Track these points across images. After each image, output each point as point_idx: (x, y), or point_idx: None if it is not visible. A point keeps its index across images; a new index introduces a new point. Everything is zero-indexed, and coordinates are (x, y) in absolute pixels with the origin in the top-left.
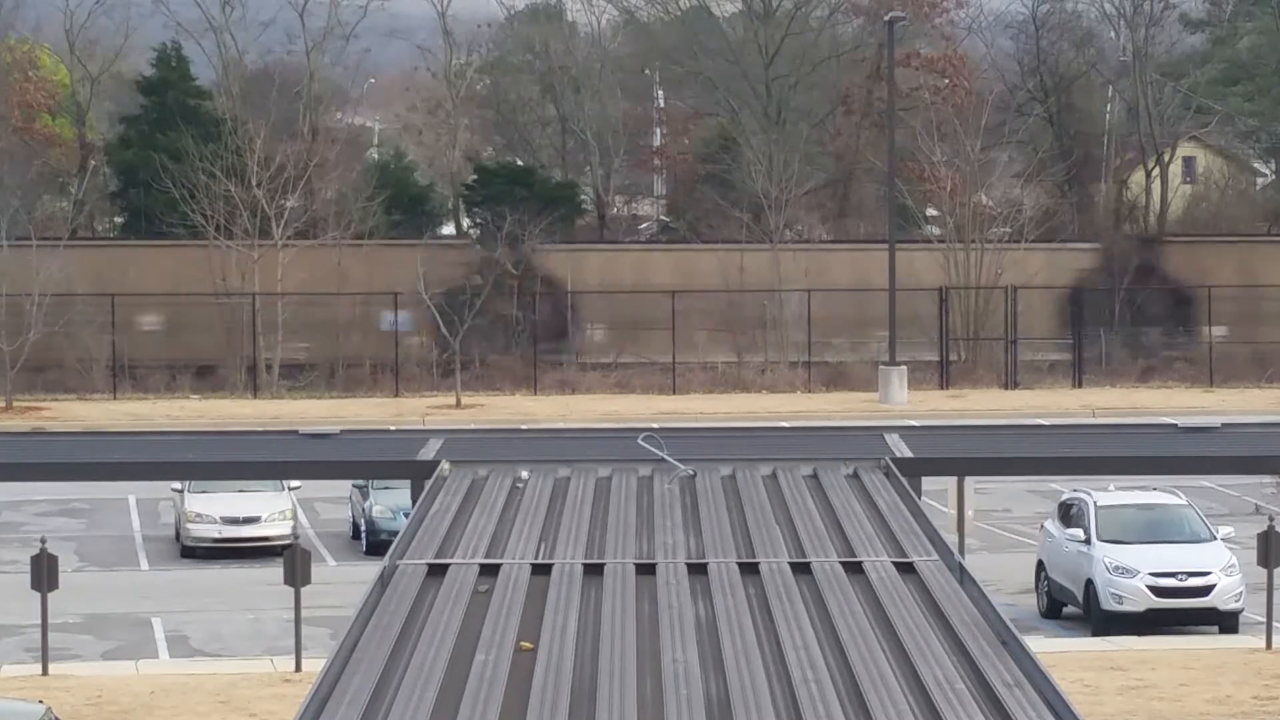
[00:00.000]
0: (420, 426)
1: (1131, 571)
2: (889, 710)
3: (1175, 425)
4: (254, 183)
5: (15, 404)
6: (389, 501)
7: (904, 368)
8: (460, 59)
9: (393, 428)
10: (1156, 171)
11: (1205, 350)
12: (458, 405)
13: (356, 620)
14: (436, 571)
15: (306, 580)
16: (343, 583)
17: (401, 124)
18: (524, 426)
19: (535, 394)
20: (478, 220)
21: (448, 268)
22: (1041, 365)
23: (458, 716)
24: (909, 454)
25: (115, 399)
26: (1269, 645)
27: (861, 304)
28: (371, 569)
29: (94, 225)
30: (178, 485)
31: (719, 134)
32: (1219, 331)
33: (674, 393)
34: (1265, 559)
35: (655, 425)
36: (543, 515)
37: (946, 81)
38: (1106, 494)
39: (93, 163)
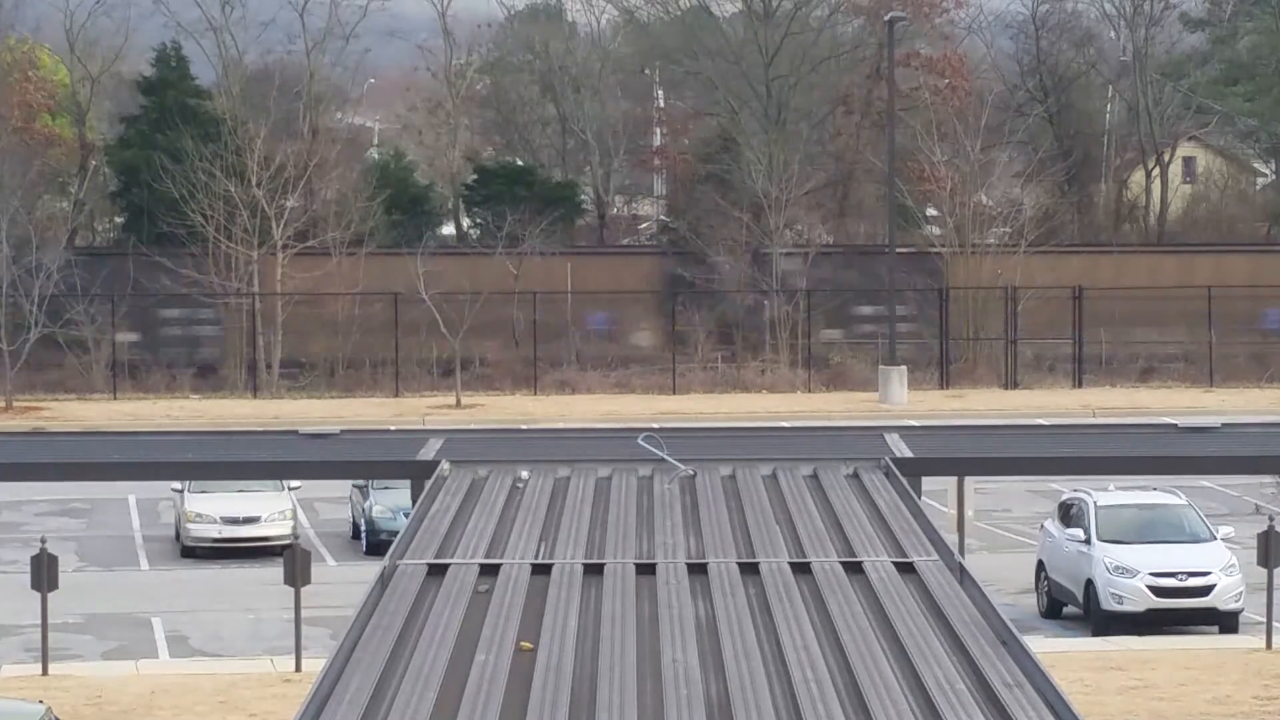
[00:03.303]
0: (420, 426)
1: (1131, 571)
2: (889, 710)
3: (1175, 425)
4: (254, 183)
5: (15, 404)
6: (389, 501)
7: (904, 368)
8: (460, 59)
9: (393, 428)
10: (1156, 172)
11: (1205, 350)
12: (458, 405)
13: (356, 620)
14: (436, 571)
15: (306, 580)
16: (343, 583)
17: (401, 124)
18: (524, 426)
19: (535, 394)
20: (477, 220)
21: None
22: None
23: (458, 716)
24: (909, 454)
25: (115, 399)
26: (1269, 645)
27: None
28: (371, 569)
29: (94, 225)
30: (178, 485)
31: (719, 134)
32: None
33: (674, 393)
34: (1265, 559)
35: (655, 425)
36: (543, 515)
37: (946, 81)
38: (1106, 494)
39: (93, 163)
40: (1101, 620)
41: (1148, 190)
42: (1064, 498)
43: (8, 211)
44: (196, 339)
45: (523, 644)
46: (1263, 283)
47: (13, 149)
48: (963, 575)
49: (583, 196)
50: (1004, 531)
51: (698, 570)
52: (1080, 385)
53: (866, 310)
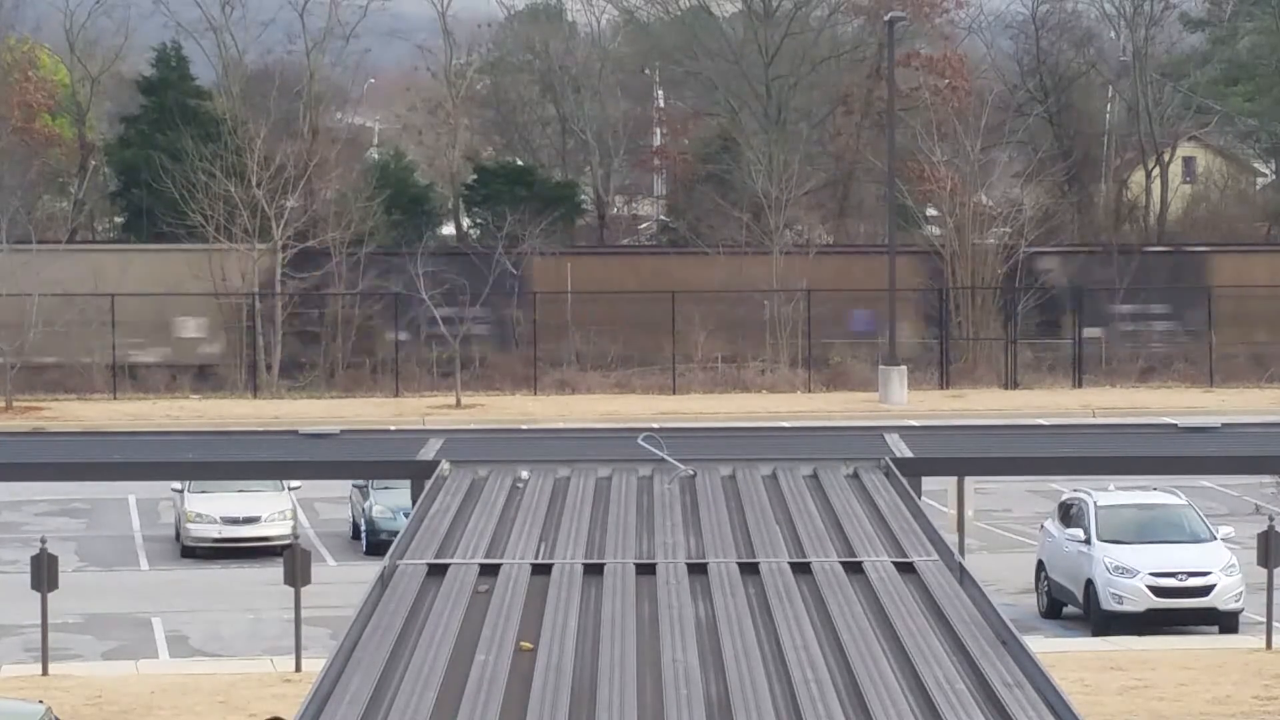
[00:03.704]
0: (420, 426)
1: (1131, 571)
2: (889, 710)
3: (1175, 425)
4: (254, 183)
5: (15, 404)
6: (389, 501)
7: (904, 368)
8: (460, 59)
9: (393, 428)
10: (1156, 171)
11: (1205, 350)
12: (458, 405)
13: (356, 620)
14: (436, 571)
15: (306, 580)
16: (343, 583)
17: (401, 124)
18: (524, 426)
19: (535, 394)
20: (477, 220)
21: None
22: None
23: (458, 716)
24: (909, 454)
25: (115, 399)
26: (1269, 645)
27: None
28: (371, 569)
29: (94, 225)
30: (178, 485)
31: (719, 134)
32: None
33: (674, 393)
34: (1265, 559)
35: (655, 425)
36: (543, 515)
37: (946, 81)
38: (1106, 494)
39: (93, 163)
40: (1101, 620)
41: (1148, 190)
42: (1064, 498)
43: (8, 211)
44: (196, 339)
45: (523, 644)
46: (1263, 282)
47: (13, 149)
48: (963, 575)
49: (583, 196)
50: (1004, 531)
51: (698, 570)
52: (1080, 385)
53: (1126, 309)
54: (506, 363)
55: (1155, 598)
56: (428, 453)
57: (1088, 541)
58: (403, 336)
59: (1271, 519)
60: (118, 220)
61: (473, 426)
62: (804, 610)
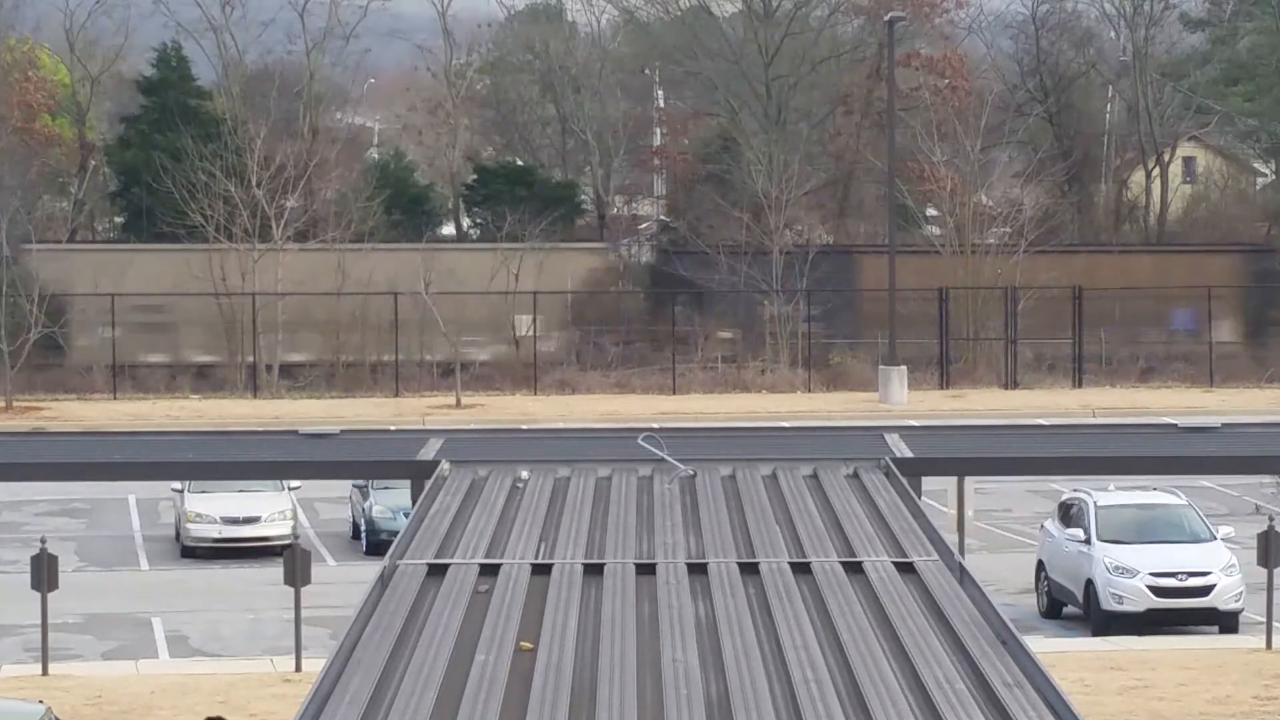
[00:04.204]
0: (420, 426)
1: (1131, 571)
2: (889, 710)
3: (1175, 425)
4: (254, 183)
5: (15, 404)
6: (389, 501)
7: (904, 368)
8: (460, 59)
9: (393, 428)
10: (1156, 171)
11: (1205, 350)
12: (458, 405)
13: (356, 620)
14: (436, 571)
15: (306, 580)
16: (343, 583)
17: (401, 124)
18: (524, 426)
19: (535, 394)
20: (478, 220)
21: None
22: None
23: (458, 716)
24: (909, 454)
25: (115, 399)
26: (1269, 645)
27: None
28: (371, 569)
29: (94, 225)
30: (178, 485)
31: (719, 134)
32: None
33: (674, 393)
34: (1265, 559)
35: (655, 425)
36: (543, 515)
37: (946, 81)
38: (1106, 494)
39: (93, 163)
40: (1101, 620)
41: (1148, 190)
42: (1064, 498)
43: (8, 211)
44: (196, 339)
45: (523, 644)
46: (1261, 283)
47: (13, 149)
48: (963, 575)
49: (583, 196)
50: (1004, 531)
51: (698, 570)
52: (1080, 385)
53: None
54: (506, 363)
55: (1155, 598)
56: (428, 453)
57: (1088, 541)
58: (730, 335)
59: (1271, 519)
60: (118, 220)
61: (473, 426)
62: (804, 610)
